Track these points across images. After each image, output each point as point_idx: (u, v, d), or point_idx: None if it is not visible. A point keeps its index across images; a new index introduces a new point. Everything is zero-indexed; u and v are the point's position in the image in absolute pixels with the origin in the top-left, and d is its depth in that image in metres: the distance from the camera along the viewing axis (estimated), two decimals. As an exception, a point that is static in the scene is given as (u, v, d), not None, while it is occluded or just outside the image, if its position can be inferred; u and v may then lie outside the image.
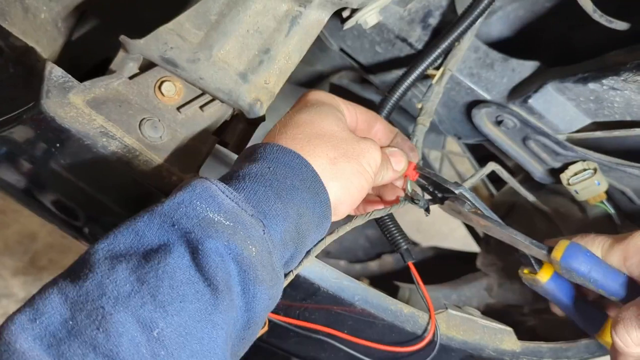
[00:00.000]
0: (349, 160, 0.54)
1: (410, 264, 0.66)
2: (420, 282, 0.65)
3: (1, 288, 1.92)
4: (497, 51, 0.79)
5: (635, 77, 0.59)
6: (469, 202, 0.65)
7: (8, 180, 0.71)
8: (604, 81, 0.63)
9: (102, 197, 0.67)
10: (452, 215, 0.69)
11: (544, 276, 0.67)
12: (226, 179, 0.50)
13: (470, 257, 1.23)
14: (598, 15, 0.62)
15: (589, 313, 0.68)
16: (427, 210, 0.64)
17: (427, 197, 0.67)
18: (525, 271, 0.69)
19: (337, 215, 0.55)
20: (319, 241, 0.57)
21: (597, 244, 0.64)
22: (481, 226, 0.67)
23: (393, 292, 1.04)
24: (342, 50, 0.87)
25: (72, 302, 0.40)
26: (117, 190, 0.66)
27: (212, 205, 0.46)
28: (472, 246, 1.30)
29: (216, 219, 0.45)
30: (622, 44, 0.68)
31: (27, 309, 0.40)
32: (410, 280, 0.67)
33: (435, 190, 0.66)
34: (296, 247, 0.51)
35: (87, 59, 0.80)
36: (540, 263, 0.67)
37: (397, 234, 0.67)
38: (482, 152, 1.02)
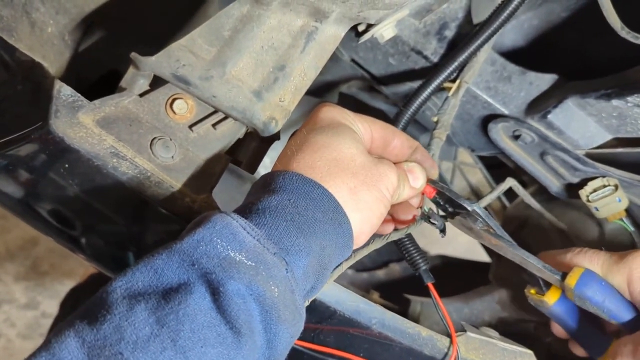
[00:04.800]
0: (369, 188, 0.52)
1: (430, 284, 0.64)
2: (441, 304, 0.63)
3: (3, 293, 1.91)
4: (512, 62, 0.77)
5: (662, 96, 0.58)
6: (481, 220, 0.63)
7: (9, 192, 0.69)
8: (628, 98, 0.62)
9: (102, 207, 0.65)
10: (462, 230, 0.67)
11: (551, 298, 0.65)
12: (245, 212, 0.48)
13: (479, 265, 1.21)
14: (625, 32, 0.60)
15: (594, 336, 0.67)
16: (443, 231, 0.62)
17: (440, 212, 0.66)
18: (532, 291, 0.67)
19: (356, 244, 0.53)
20: (336, 267, 0.55)
21: (596, 262, 0.62)
22: (493, 245, 0.65)
23: (404, 305, 1.02)
24: (353, 60, 0.86)
25: (90, 347, 0.38)
26: (119, 203, 0.64)
27: (233, 244, 0.44)
28: (477, 251, 1.28)
29: (238, 258, 0.43)
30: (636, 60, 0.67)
31: (43, 353, 0.38)
32: (420, 290, 0.66)
33: (447, 204, 0.64)
34: (317, 278, 0.49)
35: (94, 71, 0.79)
36: (547, 284, 0.66)
37: (415, 254, 0.65)
38: (493, 160, 1.01)
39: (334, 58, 0.87)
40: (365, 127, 0.58)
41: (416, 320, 0.99)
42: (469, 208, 0.61)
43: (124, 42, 0.79)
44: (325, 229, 0.48)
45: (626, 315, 0.60)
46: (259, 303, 0.43)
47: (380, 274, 1.28)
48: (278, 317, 0.44)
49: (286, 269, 0.45)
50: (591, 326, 0.67)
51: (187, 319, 0.40)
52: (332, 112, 0.56)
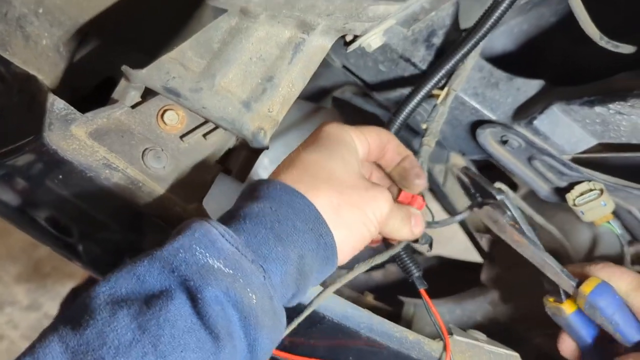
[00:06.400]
0: (353, 209, 0.53)
1: (422, 291, 0.65)
2: (435, 311, 0.64)
3: (5, 295, 1.93)
4: (502, 66, 0.78)
5: (642, 104, 0.59)
6: (508, 213, 0.63)
7: (6, 201, 0.70)
8: (610, 105, 0.63)
9: (97, 215, 0.67)
10: (487, 223, 0.68)
11: (569, 307, 0.65)
12: (228, 219, 0.49)
13: (475, 266, 1.23)
14: (605, 42, 0.61)
15: (604, 353, 0.66)
16: (430, 246, 0.64)
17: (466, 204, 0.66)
18: (550, 299, 0.68)
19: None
20: (321, 292, 0.58)
21: (622, 278, 0.63)
22: (514, 241, 0.65)
23: (398, 307, 1.04)
24: (345, 67, 0.87)
25: (73, 352, 0.39)
26: (113, 211, 0.65)
27: (211, 251, 0.45)
28: (474, 252, 1.30)
29: (216, 266, 0.45)
30: (628, 62, 0.68)
31: (27, 358, 0.39)
32: (415, 292, 0.66)
33: (477, 192, 0.65)
34: (298, 286, 0.50)
35: (90, 80, 0.80)
36: (567, 294, 0.66)
37: (408, 261, 0.66)
38: (486, 160, 1.02)
39: (326, 64, 0.89)
40: (362, 141, 0.59)
41: (409, 322, 1.00)
42: (498, 197, 0.62)
43: (119, 51, 0.81)
44: (304, 238, 0.49)
45: (633, 333, 0.62)
46: (237, 309, 0.44)
47: (377, 275, 1.29)
48: (257, 323, 0.45)
49: (264, 276, 0.47)
50: (604, 344, 0.67)
51: (167, 324, 0.41)
52: (332, 130, 0.57)
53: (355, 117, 1.22)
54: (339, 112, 1.31)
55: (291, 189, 0.51)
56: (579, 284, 0.62)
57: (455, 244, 1.39)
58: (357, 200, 0.53)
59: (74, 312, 0.43)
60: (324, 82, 1.03)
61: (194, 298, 0.43)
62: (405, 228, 0.59)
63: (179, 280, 0.44)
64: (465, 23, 0.78)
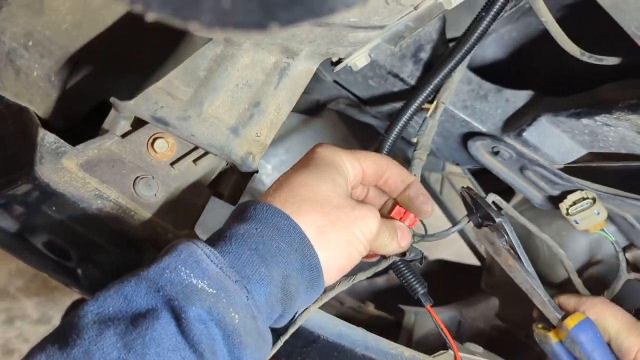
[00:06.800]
0: (339, 230, 0.53)
1: (429, 307, 0.65)
2: (443, 327, 0.65)
3: (15, 309, 1.95)
4: (492, 75, 0.78)
5: (627, 116, 0.59)
6: (505, 236, 0.64)
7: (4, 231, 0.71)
8: (596, 117, 0.63)
9: (93, 242, 0.67)
10: (483, 243, 0.68)
11: (555, 336, 0.66)
12: (215, 240, 0.50)
13: (475, 269, 1.23)
14: (587, 57, 0.61)
15: None
16: (420, 262, 0.64)
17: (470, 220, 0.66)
18: (539, 326, 0.68)
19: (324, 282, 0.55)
20: (304, 310, 0.57)
21: (616, 319, 0.63)
22: (508, 265, 0.66)
23: (399, 316, 1.04)
24: (336, 82, 0.87)
25: None
26: (108, 238, 0.66)
27: (196, 271, 0.46)
28: (473, 257, 1.30)
29: (200, 286, 0.46)
30: (615, 71, 0.68)
31: None
32: (415, 300, 0.66)
33: (478, 212, 0.65)
34: (284, 307, 0.51)
35: (84, 105, 0.81)
36: (552, 324, 0.67)
37: (412, 279, 0.65)
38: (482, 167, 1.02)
39: (319, 79, 0.89)
40: (354, 166, 0.58)
41: (410, 330, 1.01)
42: (496, 220, 0.62)
43: (112, 75, 0.81)
44: (288, 259, 0.50)
45: None
46: (220, 328, 0.45)
47: (380, 281, 1.30)
48: (240, 342, 0.46)
49: (247, 297, 0.47)
50: None
51: (153, 343, 0.42)
52: (324, 152, 0.57)
53: (353, 124, 1.22)
54: (338, 119, 1.32)
55: (277, 211, 0.52)
56: (564, 317, 0.63)
57: (456, 249, 1.39)
58: (343, 221, 0.54)
59: (62, 331, 0.44)
60: (318, 96, 1.04)
61: (178, 317, 0.44)
62: (393, 243, 0.60)
63: (164, 300, 0.45)
64: (455, 33, 0.78)
